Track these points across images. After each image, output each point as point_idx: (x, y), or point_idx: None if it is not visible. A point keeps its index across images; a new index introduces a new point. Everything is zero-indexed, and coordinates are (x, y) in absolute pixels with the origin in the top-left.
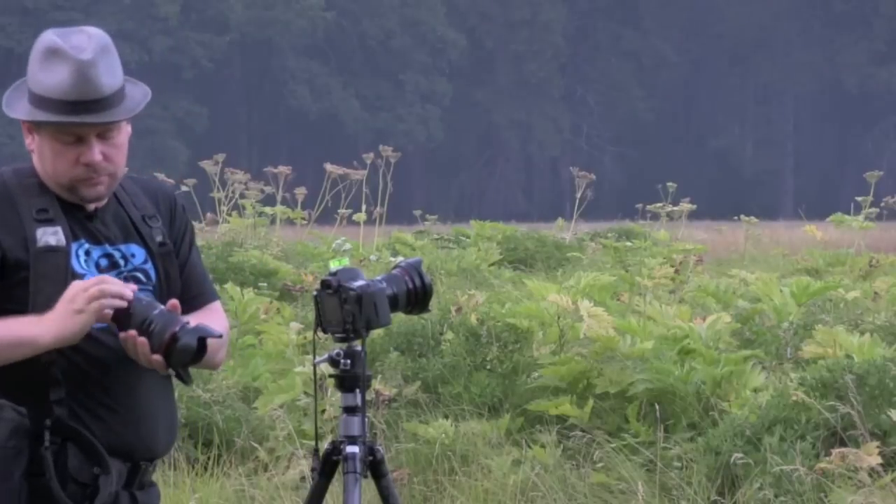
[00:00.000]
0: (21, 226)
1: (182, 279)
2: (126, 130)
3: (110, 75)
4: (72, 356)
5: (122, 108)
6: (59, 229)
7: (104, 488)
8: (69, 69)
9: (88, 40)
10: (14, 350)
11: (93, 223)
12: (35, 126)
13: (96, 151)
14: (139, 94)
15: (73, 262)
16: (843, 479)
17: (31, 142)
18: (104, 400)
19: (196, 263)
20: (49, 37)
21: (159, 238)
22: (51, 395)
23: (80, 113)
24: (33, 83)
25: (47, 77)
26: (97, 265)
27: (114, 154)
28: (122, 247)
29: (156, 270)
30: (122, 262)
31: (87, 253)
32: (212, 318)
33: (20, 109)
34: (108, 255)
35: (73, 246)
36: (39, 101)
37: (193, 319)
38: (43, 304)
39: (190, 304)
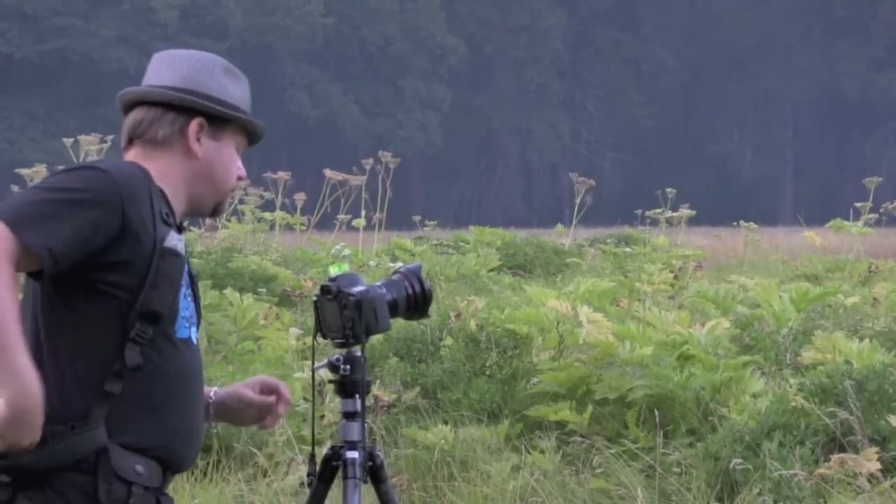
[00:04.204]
0: (152, 218)
1: None
2: None
3: None
4: (162, 364)
5: None
6: (183, 238)
7: None
8: (247, 87)
9: None
10: None
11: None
12: (216, 131)
13: None
14: None
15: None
16: (842, 484)
17: (199, 148)
18: (182, 409)
19: None
20: (212, 55)
21: None
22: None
23: None
24: (222, 93)
25: (238, 90)
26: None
27: None
28: None
29: None
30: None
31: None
32: None
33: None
34: (189, 272)
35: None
36: (233, 109)
37: None
38: (156, 301)
39: None
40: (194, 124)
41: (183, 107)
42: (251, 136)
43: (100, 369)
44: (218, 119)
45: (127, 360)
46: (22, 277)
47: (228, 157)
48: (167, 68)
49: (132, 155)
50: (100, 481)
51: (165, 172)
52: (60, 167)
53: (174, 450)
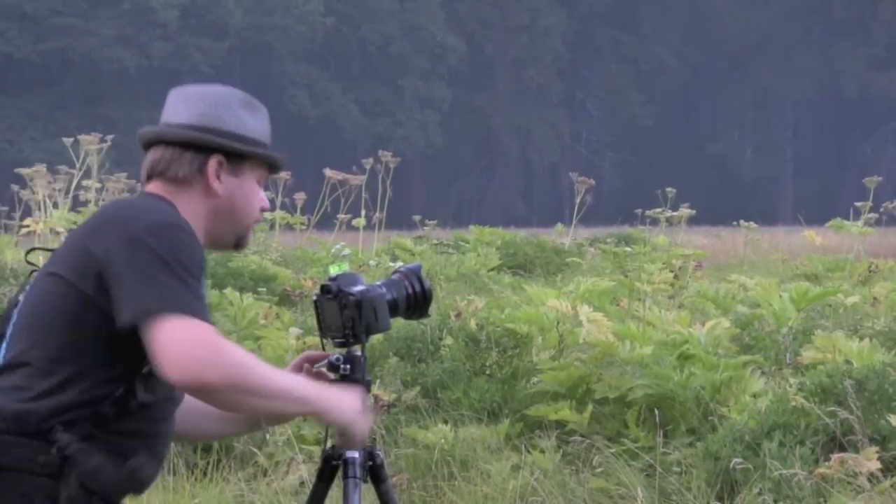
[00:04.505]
0: None
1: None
2: None
3: None
4: (153, 401)
5: None
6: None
7: None
8: (266, 118)
9: None
10: (287, 405)
11: None
12: (235, 167)
13: None
14: None
15: None
16: (842, 484)
17: (220, 186)
18: (157, 438)
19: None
20: (229, 88)
21: None
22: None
23: None
24: (240, 128)
25: (257, 122)
26: None
27: None
28: None
29: None
30: None
31: None
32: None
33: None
34: None
35: None
36: (252, 143)
37: None
38: None
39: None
40: (213, 163)
41: (200, 145)
42: (272, 166)
43: (100, 394)
44: (237, 154)
45: (137, 395)
46: (23, 277)
47: (250, 191)
48: (184, 105)
49: (153, 187)
50: (62, 486)
51: (187, 210)
52: (112, 202)
53: (141, 476)
